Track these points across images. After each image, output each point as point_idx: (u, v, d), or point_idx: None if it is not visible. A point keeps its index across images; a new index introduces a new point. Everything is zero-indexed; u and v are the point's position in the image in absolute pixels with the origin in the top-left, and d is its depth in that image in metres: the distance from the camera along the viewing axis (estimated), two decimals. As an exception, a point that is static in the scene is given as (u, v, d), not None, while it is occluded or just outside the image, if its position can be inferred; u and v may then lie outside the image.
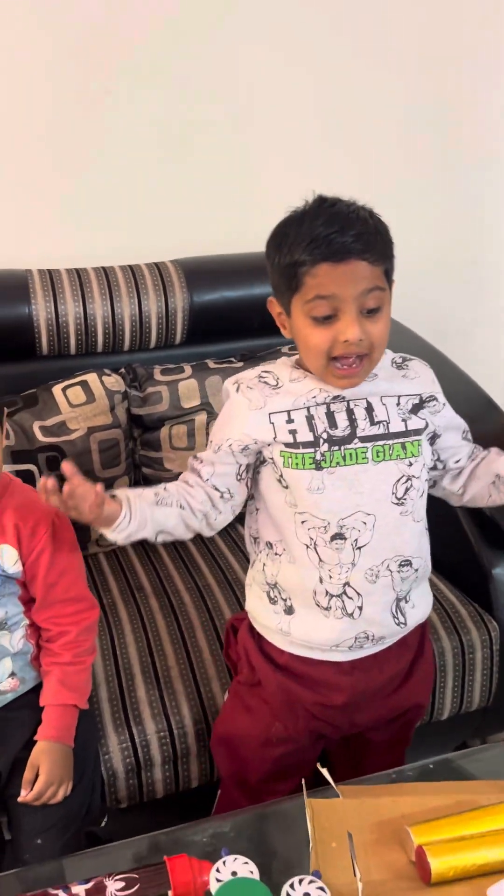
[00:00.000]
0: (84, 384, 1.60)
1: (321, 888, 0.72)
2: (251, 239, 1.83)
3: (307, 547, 1.05)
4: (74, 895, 0.80)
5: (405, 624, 1.11)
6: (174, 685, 1.29)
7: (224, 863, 0.74)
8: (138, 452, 1.67)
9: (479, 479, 1.13)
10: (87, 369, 1.64)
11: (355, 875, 0.82)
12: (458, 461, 1.14)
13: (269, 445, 1.05)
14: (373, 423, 1.04)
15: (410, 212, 2.03)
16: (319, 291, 0.97)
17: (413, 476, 1.06)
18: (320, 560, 1.05)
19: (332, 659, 1.10)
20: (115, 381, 1.62)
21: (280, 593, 1.10)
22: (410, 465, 1.06)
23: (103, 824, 1.16)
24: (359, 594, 1.06)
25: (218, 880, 0.73)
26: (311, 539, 1.05)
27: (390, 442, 1.05)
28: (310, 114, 1.90)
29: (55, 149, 1.74)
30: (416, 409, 1.07)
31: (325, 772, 0.97)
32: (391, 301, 1.03)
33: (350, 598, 1.06)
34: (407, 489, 1.06)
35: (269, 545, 1.10)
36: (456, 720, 1.47)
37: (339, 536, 1.04)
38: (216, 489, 1.09)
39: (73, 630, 1.13)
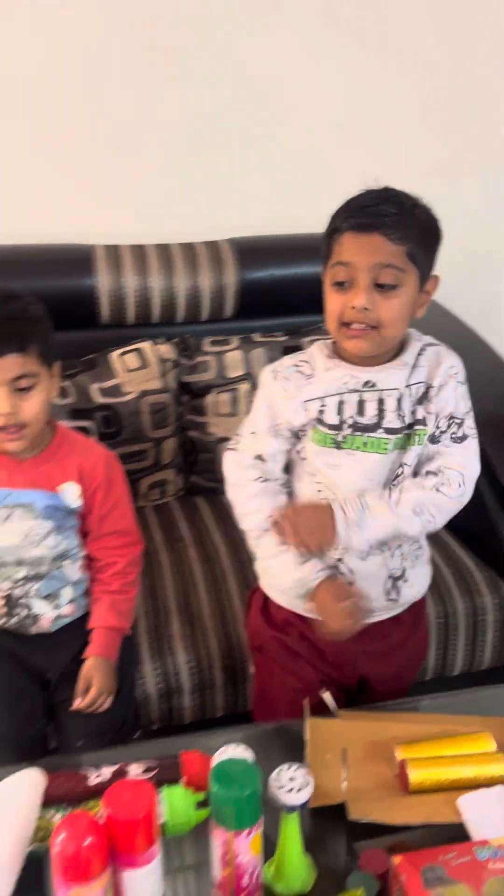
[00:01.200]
0: (139, 351, 1.74)
1: (305, 773, 0.84)
2: (300, 221, 1.96)
3: None
4: (101, 774, 0.95)
5: (397, 601, 1.18)
6: (205, 623, 1.43)
7: (226, 749, 0.88)
8: (185, 417, 1.80)
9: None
10: (143, 338, 1.79)
11: (343, 777, 0.95)
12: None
13: (303, 427, 1.12)
14: (398, 413, 1.09)
15: (455, 199, 2.10)
16: (340, 258, 1.05)
17: (405, 464, 1.11)
18: None
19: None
20: (167, 350, 1.76)
21: None
22: (406, 451, 1.11)
23: (136, 737, 1.31)
24: (351, 571, 1.13)
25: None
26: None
27: (406, 433, 1.10)
28: (358, 102, 1.99)
29: (121, 132, 1.87)
30: (421, 400, 1.11)
31: (327, 696, 1.09)
32: (417, 286, 1.06)
33: (342, 573, 1.13)
34: (398, 475, 1.11)
35: None
36: (468, 679, 1.57)
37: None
38: (277, 479, 1.16)
39: (120, 562, 1.29)
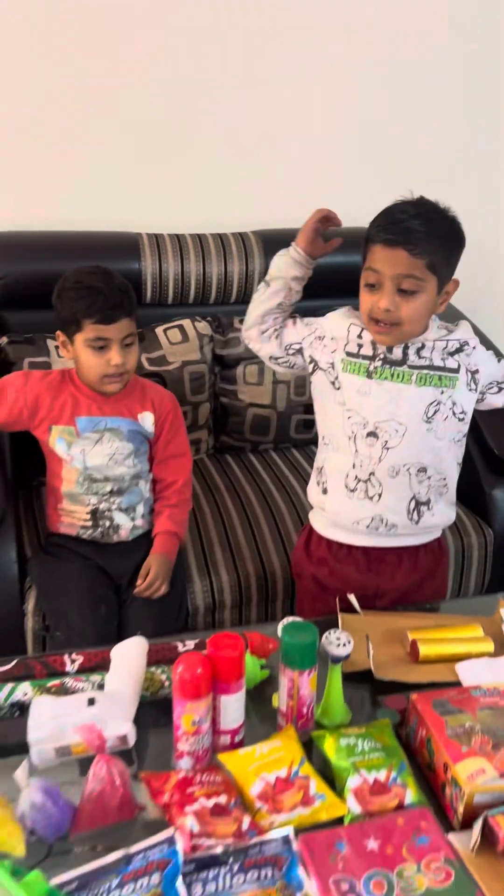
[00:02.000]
0: (180, 327, 2.02)
1: (347, 635, 1.13)
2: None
3: (349, 438, 1.37)
4: (186, 645, 1.24)
5: (417, 523, 1.41)
6: (243, 552, 1.73)
7: (288, 619, 1.17)
8: (218, 385, 2.09)
9: None
10: (182, 316, 2.06)
11: (368, 652, 1.25)
12: (499, 385, 1.41)
13: (333, 352, 1.37)
14: (420, 357, 1.34)
15: (458, 200, 2.40)
16: (371, 264, 1.30)
17: (442, 403, 1.35)
18: (356, 450, 1.37)
19: (356, 543, 1.42)
20: (204, 327, 2.04)
21: (321, 476, 1.45)
22: (442, 392, 1.35)
23: None
24: (381, 483, 1.38)
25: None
26: (353, 432, 1.37)
27: (432, 372, 1.34)
28: (377, 114, 2.28)
29: (167, 136, 2.15)
30: (455, 353, 1.36)
31: (352, 598, 1.39)
32: (437, 291, 1.29)
33: (373, 485, 1.38)
34: (435, 412, 1.36)
35: (323, 437, 1.45)
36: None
37: (373, 434, 1.36)
38: (288, 347, 1.46)
39: (180, 480, 1.63)
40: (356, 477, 1.40)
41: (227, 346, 2.06)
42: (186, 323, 2.03)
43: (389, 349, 1.35)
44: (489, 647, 1.27)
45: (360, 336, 1.37)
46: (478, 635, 1.30)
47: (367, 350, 1.37)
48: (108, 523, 1.60)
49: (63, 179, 2.11)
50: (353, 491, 1.40)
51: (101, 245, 2.05)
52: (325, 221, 1.47)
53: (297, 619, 1.17)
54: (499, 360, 1.43)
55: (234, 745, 1.09)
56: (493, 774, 0.97)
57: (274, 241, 2.17)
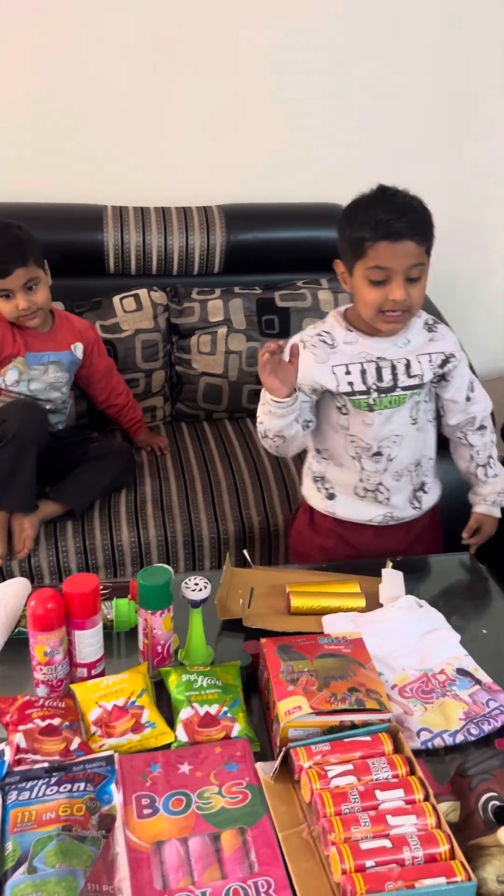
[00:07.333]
0: (136, 297, 2.10)
1: (205, 581, 1.20)
2: (281, 192, 2.28)
3: (353, 458, 1.45)
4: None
5: (420, 508, 1.52)
6: (198, 504, 1.81)
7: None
8: (174, 354, 2.16)
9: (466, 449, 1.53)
10: (142, 287, 2.13)
11: (241, 602, 1.32)
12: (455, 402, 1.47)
13: (332, 391, 1.40)
14: (410, 376, 1.40)
15: (426, 177, 2.39)
16: (378, 262, 1.29)
17: (422, 401, 1.45)
18: (362, 468, 1.46)
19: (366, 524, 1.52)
20: (160, 296, 2.11)
21: (324, 484, 1.52)
22: (420, 392, 1.44)
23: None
24: (388, 489, 1.48)
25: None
26: (357, 454, 1.45)
27: (420, 390, 1.42)
28: (344, 94, 2.29)
29: (134, 111, 2.21)
30: (443, 364, 1.42)
31: (245, 553, 1.46)
32: (428, 270, 1.34)
33: (381, 492, 1.48)
34: (418, 410, 1.44)
35: (318, 451, 1.51)
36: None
37: (378, 454, 1.44)
38: (298, 421, 1.40)
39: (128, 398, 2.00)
40: (364, 488, 1.49)
41: (182, 315, 2.13)
42: (142, 292, 2.11)
43: (379, 377, 1.40)
44: (360, 602, 1.32)
45: (347, 373, 1.40)
46: (353, 591, 1.35)
47: (358, 385, 1.40)
48: None
49: (34, 151, 2.19)
50: (362, 498, 1.50)
51: (66, 216, 2.14)
52: (274, 356, 1.29)
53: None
54: (467, 396, 1.47)
55: (92, 678, 1.17)
56: (306, 711, 1.03)
57: (236, 215, 2.24)
